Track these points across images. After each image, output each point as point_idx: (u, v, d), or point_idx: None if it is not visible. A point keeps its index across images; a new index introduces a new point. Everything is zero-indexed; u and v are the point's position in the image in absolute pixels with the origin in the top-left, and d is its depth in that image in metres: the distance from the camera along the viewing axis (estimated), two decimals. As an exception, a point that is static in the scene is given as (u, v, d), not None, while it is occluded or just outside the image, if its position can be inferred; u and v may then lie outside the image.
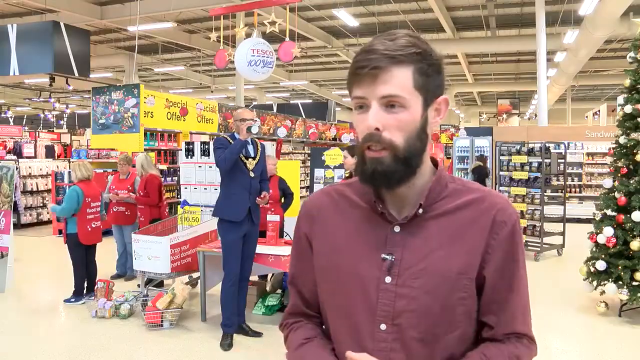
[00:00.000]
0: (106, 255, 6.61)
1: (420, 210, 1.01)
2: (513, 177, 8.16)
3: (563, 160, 8.75)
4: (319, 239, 1.11)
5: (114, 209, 6.39)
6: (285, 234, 5.64)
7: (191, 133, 11.01)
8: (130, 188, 6.35)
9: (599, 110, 21.78)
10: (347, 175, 5.70)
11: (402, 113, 0.95)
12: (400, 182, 0.98)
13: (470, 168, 10.95)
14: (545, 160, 7.87)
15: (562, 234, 8.13)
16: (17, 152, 13.36)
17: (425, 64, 0.97)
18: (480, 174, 9.78)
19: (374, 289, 1.00)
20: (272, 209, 5.35)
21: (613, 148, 5.41)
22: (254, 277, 5.38)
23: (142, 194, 6.13)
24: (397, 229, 1.02)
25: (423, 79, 0.97)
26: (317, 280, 1.11)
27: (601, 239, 5.08)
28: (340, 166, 6.94)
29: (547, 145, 8.03)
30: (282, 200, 5.67)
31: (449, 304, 0.99)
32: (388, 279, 1.00)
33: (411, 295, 0.98)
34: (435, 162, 1.07)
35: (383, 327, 1.00)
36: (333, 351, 1.08)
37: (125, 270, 6.52)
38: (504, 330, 1.03)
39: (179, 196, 8.73)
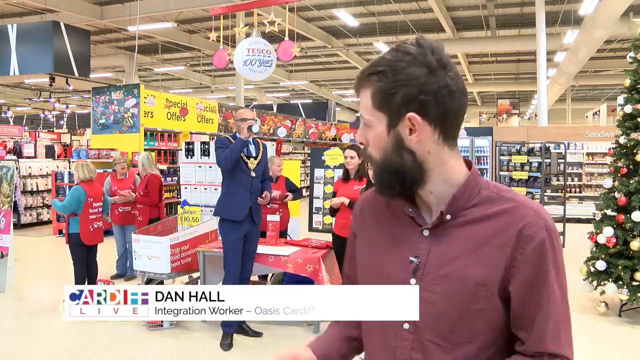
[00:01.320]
0: (106, 256, 6.61)
1: (448, 217, 1.01)
2: (513, 177, 8.16)
3: (563, 160, 8.75)
4: (360, 237, 1.18)
5: (120, 209, 6.37)
6: (287, 236, 5.64)
7: (191, 133, 11.01)
8: (132, 187, 6.34)
9: (599, 110, 21.79)
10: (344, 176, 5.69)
11: (371, 131, 1.02)
12: (384, 193, 1.04)
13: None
14: (545, 160, 7.87)
15: (562, 234, 8.13)
16: (17, 152, 13.36)
17: (387, 82, 0.96)
18: None
19: None
20: (280, 210, 5.35)
21: (613, 148, 5.41)
22: (254, 277, 5.37)
23: (142, 193, 6.13)
24: (426, 232, 1.04)
25: (382, 98, 0.98)
26: (358, 276, 1.17)
27: (601, 239, 5.07)
28: (341, 166, 6.94)
29: (547, 145, 8.03)
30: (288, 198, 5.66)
31: (468, 313, 0.98)
32: (413, 281, 1.02)
33: (431, 300, 0.99)
34: (470, 167, 1.06)
35: (406, 326, 1.02)
36: (351, 339, 1.20)
37: (125, 270, 6.52)
38: (533, 348, 0.99)
39: (179, 196, 8.73)
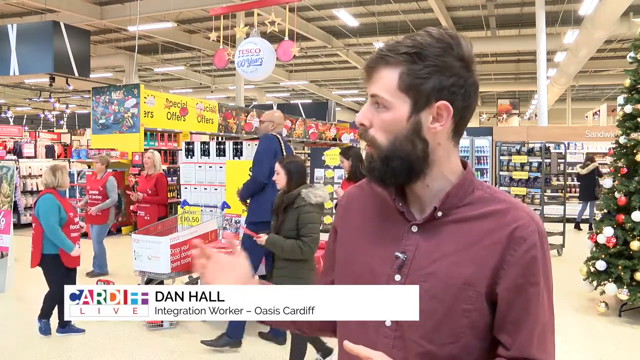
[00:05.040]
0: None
1: (440, 214, 0.99)
2: (513, 177, 8.16)
3: (563, 160, 8.75)
4: (342, 229, 1.14)
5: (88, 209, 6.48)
6: None
7: (191, 133, 11.02)
8: (101, 189, 6.39)
9: (599, 110, 21.79)
10: (347, 177, 5.71)
11: (385, 113, 0.97)
12: (387, 181, 0.99)
13: (587, 170, 10.08)
14: (545, 160, 7.87)
15: (562, 234, 8.13)
16: (17, 152, 13.35)
17: (421, 66, 0.94)
18: (598, 174, 9.97)
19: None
20: None
21: (613, 148, 5.41)
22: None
23: (150, 192, 6.12)
24: (414, 228, 1.01)
25: (412, 81, 0.94)
26: (336, 270, 1.13)
27: (601, 239, 5.08)
28: (341, 166, 6.94)
29: (547, 145, 8.03)
30: None
31: (452, 312, 0.96)
32: (397, 277, 1.00)
33: None
34: (465, 167, 1.05)
35: (388, 323, 1.00)
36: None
37: (96, 268, 6.57)
38: (518, 354, 0.97)
39: (179, 196, 8.73)
